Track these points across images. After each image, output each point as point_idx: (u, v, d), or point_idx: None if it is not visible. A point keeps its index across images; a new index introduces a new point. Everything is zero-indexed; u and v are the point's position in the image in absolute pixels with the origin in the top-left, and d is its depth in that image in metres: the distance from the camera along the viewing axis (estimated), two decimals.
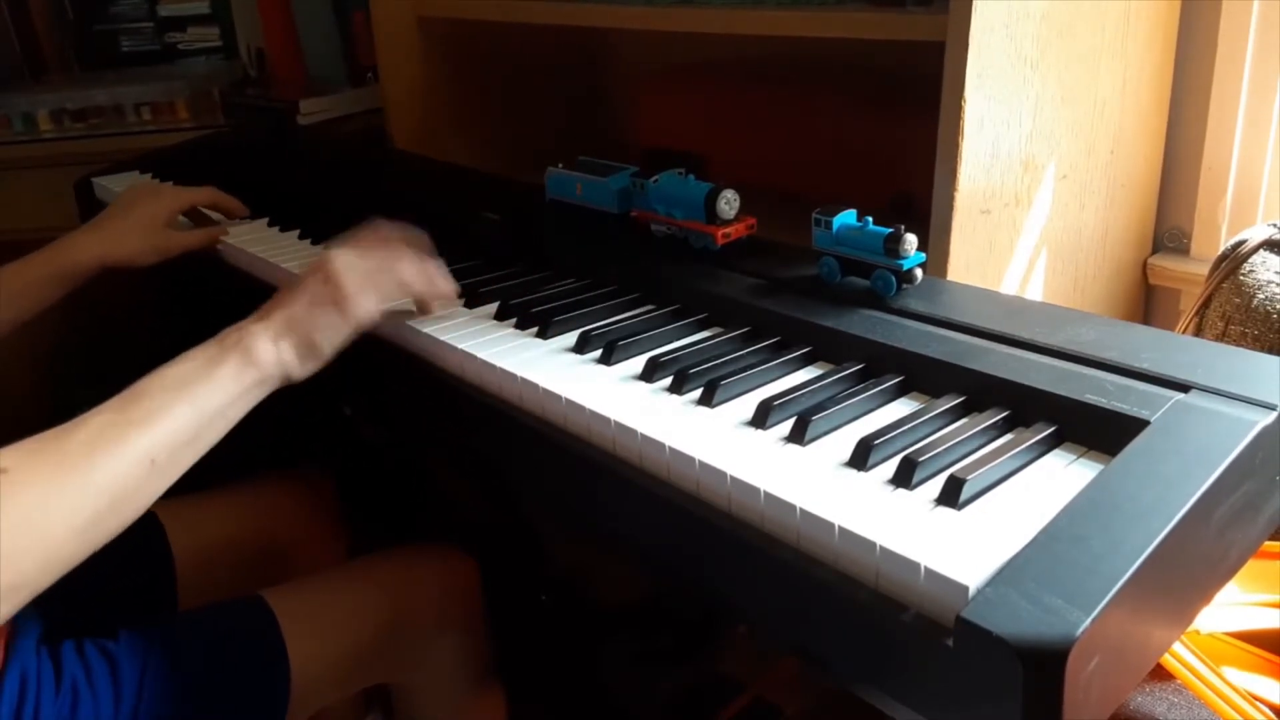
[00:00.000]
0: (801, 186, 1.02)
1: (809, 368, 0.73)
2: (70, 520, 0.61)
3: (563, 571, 1.34)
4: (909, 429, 0.61)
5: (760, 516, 0.57)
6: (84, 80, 1.94)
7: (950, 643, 0.46)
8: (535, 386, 0.72)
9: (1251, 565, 0.62)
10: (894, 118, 1.02)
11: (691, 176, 0.90)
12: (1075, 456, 0.59)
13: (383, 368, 0.87)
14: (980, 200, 0.83)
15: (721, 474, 0.59)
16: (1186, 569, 0.53)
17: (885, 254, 0.74)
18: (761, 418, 0.64)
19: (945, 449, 0.58)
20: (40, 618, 0.84)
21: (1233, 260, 0.95)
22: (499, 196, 1.13)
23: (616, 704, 1.27)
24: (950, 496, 0.54)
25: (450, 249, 0.88)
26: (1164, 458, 0.53)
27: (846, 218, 0.78)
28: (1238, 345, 0.82)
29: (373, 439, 1.40)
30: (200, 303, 1.40)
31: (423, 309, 0.85)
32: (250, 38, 1.95)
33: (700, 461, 0.60)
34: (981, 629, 0.44)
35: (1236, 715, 0.73)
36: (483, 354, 0.77)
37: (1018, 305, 0.77)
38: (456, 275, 0.86)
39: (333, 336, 0.76)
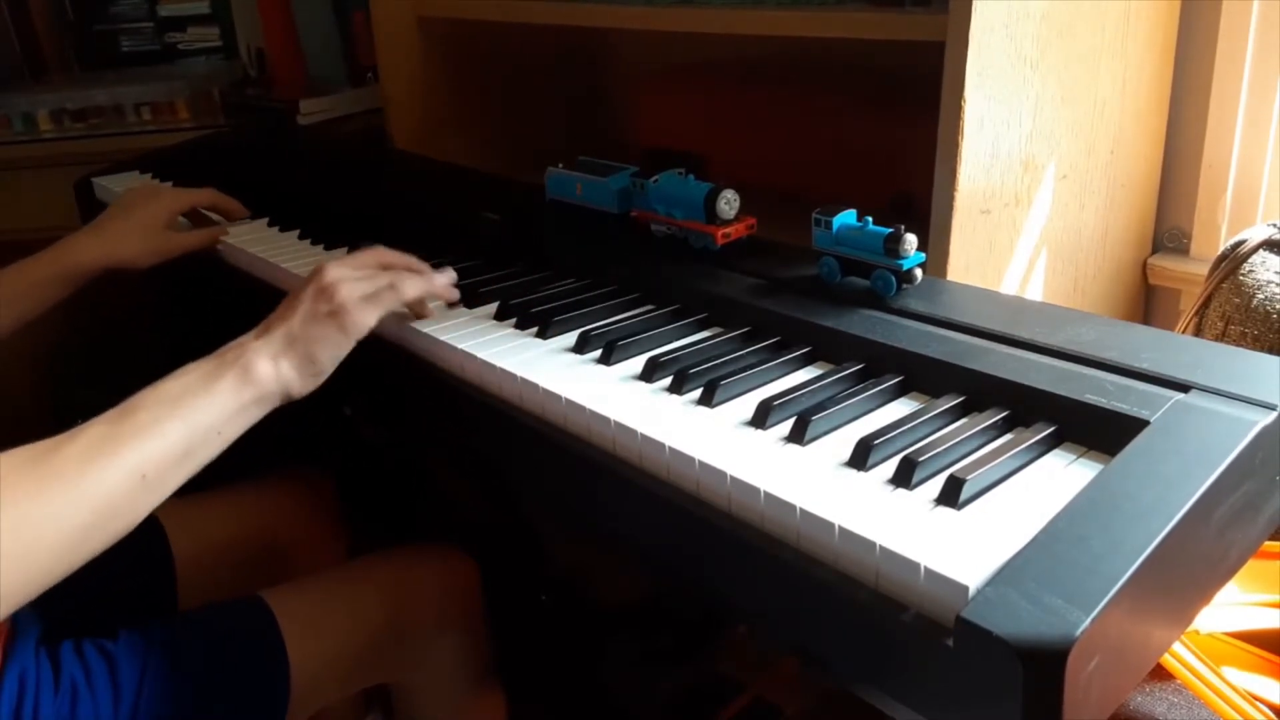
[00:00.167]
0: (801, 186, 1.02)
1: (809, 368, 0.73)
2: (57, 532, 0.61)
3: (563, 571, 1.34)
4: (909, 429, 0.61)
5: (760, 516, 0.57)
6: (84, 80, 1.94)
7: (950, 643, 0.46)
8: (535, 386, 0.72)
9: (1251, 565, 0.62)
10: (894, 118, 1.02)
11: (691, 176, 0.90)
12: (1075, 456, 0.59)
13: (383, 368, 0.87)
14: (980, 200, 0.83)
15: (721, 474, 0.59)
16: (1186, 569, 0.53)
17: (885, 254, 0.74)
18: (761, 418, 0.64)
19: (945, 449, 0.58)
20: (40, 618, 0.84)
21: (1232, 260, 0.95)
22: (499, 196, 1.13)
23: (616, 704, 1.27)
24: (950, 496, 0.54)
25: (450, 249, 0.88)
26: (1164, 458, 0.53)
27: (846, 218, 0.78)
28: (1238, 345, 0.82)
29: (373, 439, 1.40)
30: (200, 303, 1.40)
31: (418, 313, 0.85)
32: (250, 38, 1.95)
33: (700, 461, 0.60)
34: (981, 629, 0.44)
35: (1236, 715, 0.73)
36: (483, 354, 0.77)
37: (1018, 305, 0.77)
38: (457, 275, 0.86)
39: (333, 352, 0.75)
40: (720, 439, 0.63)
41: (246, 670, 0.86)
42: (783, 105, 1.17)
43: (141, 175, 1.45)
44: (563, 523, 1.19)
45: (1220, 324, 0.95)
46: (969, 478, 0.54)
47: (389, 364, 0.86)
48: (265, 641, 0.87)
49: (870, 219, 0.77)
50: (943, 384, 0.66)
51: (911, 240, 0.74)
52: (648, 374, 0.72)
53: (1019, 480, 0.57)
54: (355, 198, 1.22)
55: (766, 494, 0.56)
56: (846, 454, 0.60)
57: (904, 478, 0.56)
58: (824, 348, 0.74)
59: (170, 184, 1.35)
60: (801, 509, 0.54)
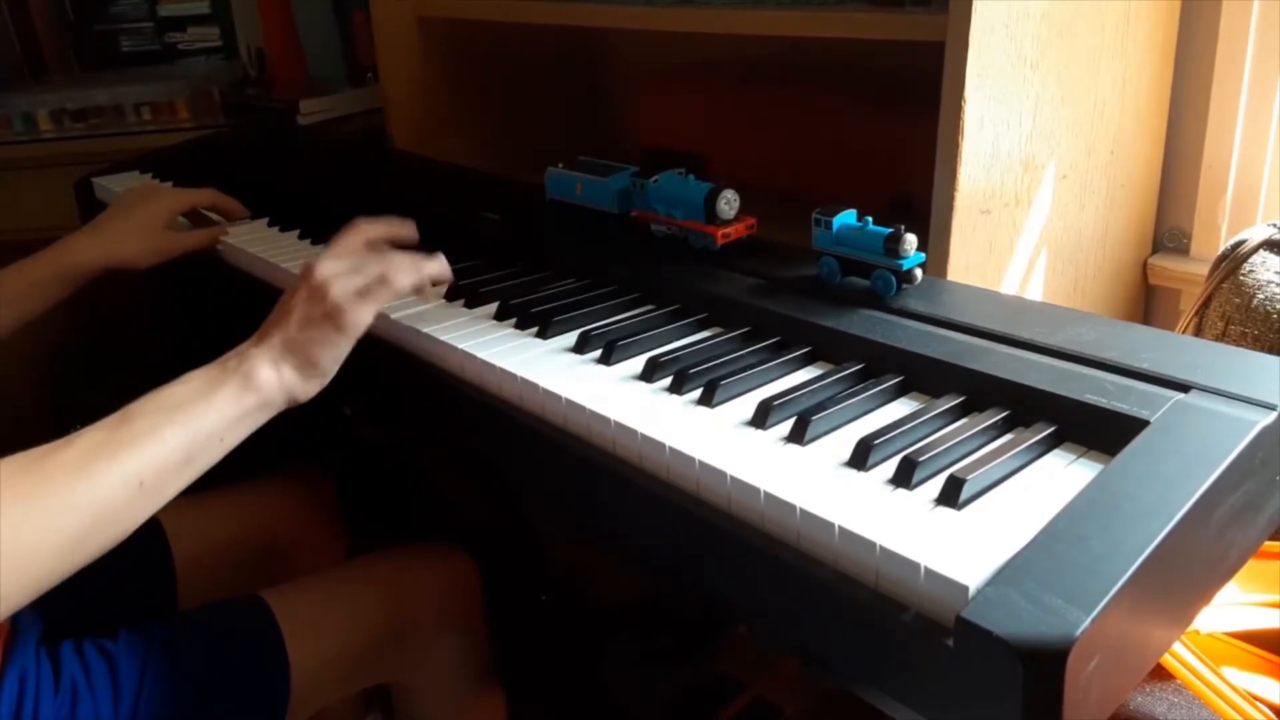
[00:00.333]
0: (801, 186, 1.02)
1: (809, 368, 0.73)
2: (55, 536, 0.61)
3: (563, 571, 1.34)
4: (909, 429, 0.61)
5: (760, 516, 0.57)
6: (84, 80, 1.94)
7: (950, 643, 0.46)
8: (535, 386, 0.72)
9: (1251, 565, 0.62)
10: (894, 118, 1.02)
11: (691, 176, 0.90)
12: (1075, 456, 0.59)
13: (382, 368, 0.87)
14: (980, 200, 0.83)
15: (721, 474, 0.59)
16: (1186, 569, 0.53)
17: (885, 254, 0.74)
18: (761, 418, 0.64)
19: (945, 449, 0.58)
20: (40, 618, 0.84)
21: (1232, 260, 0.95)
22: (499, 196, 1.13)
23: (616, 704, 1.27)
24: (950, 496, 0.54)
25: (450, 249, 0.88)
26: (1164, 458, 0.53)
27: (846, 218, 0.78)
28: (1238, 345, 0.82)
29: (373, 439, 1.40)
30: (200, 303, 1.40)
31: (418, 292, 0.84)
32: (250, 38, 1.95)
33: (700, 461, 0.60)
34: (981, 629, 0.44)
35: (1236, 715, 0.73)
36: (483, 354, 0.77)
37: (1017, 305, 0.77)
38: (456, 275, 0.86)
39: (333, 353, 0.74)
40: (720, 439, 0.63)
41: (246, 670, 0.86)
42: (783, 105, 1.17)
43: (141, 175, 1.45)
44: (563, 523, 1.19)
45: (1220, 324, 0.95)
46: (969, 478, 0.54)
47: (389, 364, 0.86)
48: (265, 641, 0.87)
49: (870, 219, 0.77)
50: (943, 384, 0.66)
51: (911, 240, 0.74)
52: (648, 374, 0.72)
53: (1019, 480, 0.57)
54: (355, 198, 1.22)
55: (766, 494, 0.56)
56: (846, 454, 0.60)
57: (904, 478, 0.56)
58: (824, 348, 0.74)
59: (170, 184, 1.35)
60: (801, 509, 0.54)
